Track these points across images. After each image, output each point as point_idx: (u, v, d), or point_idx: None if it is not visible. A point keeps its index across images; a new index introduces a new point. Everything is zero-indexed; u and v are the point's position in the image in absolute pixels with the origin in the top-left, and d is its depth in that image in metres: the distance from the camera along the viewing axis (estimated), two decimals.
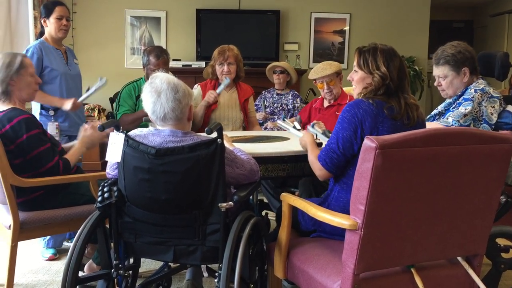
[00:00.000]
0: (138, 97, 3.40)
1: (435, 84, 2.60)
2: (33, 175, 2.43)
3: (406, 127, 1.95)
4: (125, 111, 3.43)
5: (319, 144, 2.29)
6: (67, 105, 3.15)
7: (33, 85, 2.58)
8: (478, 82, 2.50)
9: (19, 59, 2.49)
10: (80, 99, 3.22)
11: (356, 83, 2.11)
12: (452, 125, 2.38)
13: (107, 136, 2.40)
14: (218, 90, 3.35)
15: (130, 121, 3.33)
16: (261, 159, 2.34)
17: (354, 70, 2.11)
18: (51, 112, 3.23)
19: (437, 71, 2.55)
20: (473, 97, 2.43)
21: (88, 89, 3.25)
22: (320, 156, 2.05)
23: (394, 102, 1.97)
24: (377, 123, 1.92)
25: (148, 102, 1.93)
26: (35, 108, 3.30)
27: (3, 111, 2.45)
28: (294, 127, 2.78)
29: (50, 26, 3.27)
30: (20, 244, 2.45)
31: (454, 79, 2.50)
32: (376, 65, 2.01)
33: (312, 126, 2.64)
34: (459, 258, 1.88)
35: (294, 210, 2.06)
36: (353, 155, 1.97)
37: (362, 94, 2.05)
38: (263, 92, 4.63)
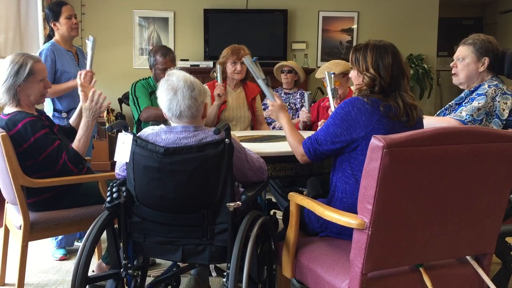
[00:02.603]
0: (151, 93, 3.41)
1: (451, 65, 2.60)
2: (49, 174, 2.45)
3: (405, 126, 1.94)
4: (148, 104, 3.41)
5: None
6: (79, 78, 3.05)
7: (41, 90, 2.56)
8: (492, 79, 2.50)
9: (29, 66, 2.46)
10: (88, 67, 3.13)
11: (353, 80, 2.13)
12: (466, 119, 2.37)
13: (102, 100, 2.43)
14: (218, 80, 3.32)
15: (155, 115, 3.29)
16: (269, 159, 2.34)
17: (351, 68, 2.13)
18: (64, 114, 3.26)
19: (460, 51, 2.56)
20: (486, 92, 2.43)
21: (86, 57, 3.21)
22: (305, 142, 2.08)
23: (392, 101, 1.94)
24: (372, 121, 1.91)
25: (164, 99, 1.94)
26: (48, 111, 3.33)
27: (8, 114, 2.46)
28: (266, 82, 2.38)
29: (62, 28, 3.29)
30: (31, 244, 2.47)
31: (472, 63, 2.51)
32: (365, 66, 2.00)
33: (263, 80, 2.46)
34: (468, 257, 1.86)
35: (301, 212, 2.06)
36: (344, 152, 1.98)
37: (357, 92, 2.05)
38: None
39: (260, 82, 2.37)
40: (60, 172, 2.46)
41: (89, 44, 3.13)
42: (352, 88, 3.42)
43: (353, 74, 2.11)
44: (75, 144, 2.55)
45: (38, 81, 2.53)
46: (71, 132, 2.75)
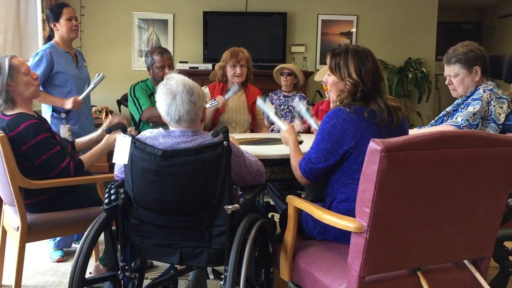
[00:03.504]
0: (150, 95, 3.40)
1: (446, 82, 2.61)
2: (44, 178, 2.44)
3: (392, 128, 1.95)
4: (149, 104, 3.39)
5: (301, 143, 2.29)
6: (68, 103, 3.17)
7: (32, 83, 2.53)
8: (487, 84, 2.50)
9: (6, 63, 2.44)
10: (81, 96, 3.22)
11: (330, 86, 2.09)
12: (462, 124, 2.38)
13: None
14: (226, 96, 3.32)
15: (157, 115, 3.29)
16: (268, 161, 2.34)
17: (328, 74, 2.10)
18: (63, 115, 3.26)
19: (448, 70, 2.56)
20: (481, 96, 2.43)
21: (87, 85, 3.26)
22: (300, 164, 2.07)
23: (374, 106, 1.94)
24: (359, 130, 1.91)
25: (163, 103, 1.93)
26: (47, 111, 3.33)
27: (10, 115, 2.45)
28: (276, 113, 2.66)
29: (61, 29, 3.29)
30: (28, 245, 2.47)
31: (466, 77, 2.51)
32: (348, 72, 1.98)
33: (300, 99, 2.61)
34: (465, 262, 1.87)
35: (298, 216, 2.06)
36: (334, 166, 1.97)
37: (338, 102, 2.02)
38: (270, 94, 4.63)
39: (271, 114, 2.65)
40: (56, 176, 2.45)
41: (96, 78, 3.19)
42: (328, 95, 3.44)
43: (331, 80, 2.07)
44: (85, 158, 2.58)
45: (24, 74, 2.50)
46: (72, 148, 2.73)
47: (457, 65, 2.51)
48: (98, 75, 3.19)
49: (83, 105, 3.43)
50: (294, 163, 2.14)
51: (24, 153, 2.40)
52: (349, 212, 1.77)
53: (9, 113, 2.47)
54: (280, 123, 2.48)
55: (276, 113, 2.63)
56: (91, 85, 3.22)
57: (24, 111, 2.49)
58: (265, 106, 2.78)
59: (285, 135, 2.34)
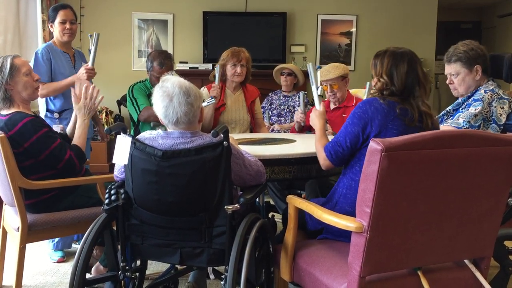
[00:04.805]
0: (149, 95, 3.40)
1: (447, 82, 2.60)
2: (51, 173, 2.46)
3: (419, 131, 1.95)
4: (147, 104, 3.40)
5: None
6: (81, 76, 3.13)
7: (31, 84, 2.54)
8: (488, 84, 2.49)
9: (8, 62, 2.45)
10: (90, 63, 3.19)
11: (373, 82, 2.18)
12: (463, 126, 2.37)
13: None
14: (203, 104, 3.30)
15: (155, 115, 3.29)
16: (268, 161, 2.34)
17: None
18: (56, 115, 3.26)
19: (449, 68, 2.55)
20: (483, 97, 2.42)
21: (89, 52, 3.24)
22: (326, 146, 2.11)
23: (407, 105, 1.99)
24: (387, 121, 1.95)
25: (160, 106, 1.93)
26: (41, 110, 3.33)
27: (7, 114, 2.46)
28: (318, 89, 2.72)
29: (55, 30, 3.30)
30: (29, 246, 2.47)
31: (466, 76, 2.50)
32: (381, 70, 2.05)
33: (316, 89, 2.60)
34: (466, 261, 1.87)
35: (301, 211, 2.06)
36: (358, 149, 2.01)
37: (373, 94, 2.10)
38: (270, 94, 4.63)
39: (314, 88, 2.54)
40: (62, 169, 2.46)
41: (93, 40, 3.15)
42: (352, 91, 3.44)
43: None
44: (76, 141, 2.60)
45: (24, 75, 2.50)
46: (66, 139, 2.74)
47: (458, 63, 2.51)
48: (90, 36, 3.16)
49: None
50: (319, 146, 2.19)
51: (27, 150, 2.40)
52: (354, 202, 1.77)
53: (5, 112, 2.47)
54: (317, 101, 2.50)
55: (318, 89, 2.61)
56: (92, 49, 3.18)
57: (21, 109, 2.49)
58: (313, 74, 2.57)
59: (314, 117, 2.39)
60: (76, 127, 2.64)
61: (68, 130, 2.85)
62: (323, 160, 2.14)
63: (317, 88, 2.59)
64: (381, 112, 1.96)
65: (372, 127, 1.96)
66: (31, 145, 2.40)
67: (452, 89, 2.60)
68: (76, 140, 2.59)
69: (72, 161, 2.48)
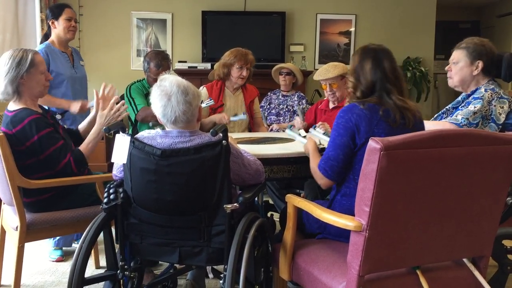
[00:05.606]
0: (147, 95, 3.41)
1: (446, 68, 2.62)
2: (49, 174, 2.45)
3: (405, 129, 1.94)
4: (144, 104, 3.40)
5: (323, 150, 2.29)
6: (75, 107, 3.17)
7: (43, 82, 2.55)
8: (489, 83, 2.50)
9: (30, 57, 2.47)
10: (89, 105, 3.20)
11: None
12: (462, 122, 2.37)
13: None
14: (232, 119, 3.34)
15: (152, 115, 3.29)
16: (267, 161, 2.34)
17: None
18: (58, 116, 3.25)
19: (454, 55, 2.57)
20: (483, 95, 2.43)
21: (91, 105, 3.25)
22: (320, 165, 2.05)
23: (387, 105, 1.95)
24: (372, 126, 1.92)
25: (158, 105, 1.93)
26: None
27: (13, 111, 2.45)
28: (300, 134, 2.80)
29: (59, 27, 3.30)
30: (27, 245, 2.47)
31: (465, 67, 2.51)
32: (351, 70, 2.06)
33: (314, 128, 2.65)
34: (465, 260, 1.87)
35: (299, 212, 2.06)
36: (351, 158, 1.98)
37: (349, 99, 2.09)
38: (269, 93, 4.63)
39: (300, 138, 2.69)
40: (59, 173, 2.45)
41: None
42: None
43: None
44: (83, 147, 2.56)
45: (40, 73, 2.52)
46: (78, 137, 2.74)
47: (463, 52, 2.51)
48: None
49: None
50: (314, 166, 2.13)
51: (29, 149, 2.40)
52: (351, 207, 1.77)
53: (12, 108, 2.47)
54: (302, 139, 2.61)
55: (300, 134, 2.81)
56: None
57: (28, 106, 2.49)
58: (294, 133, 2.87)
59: (306, 145, 2.37)
60: (91, 132, 2.63)
61: (81, 126, 2.84)
62: (321, 180, 2.08)
63: (303, 137, 2.72)
64: (364, 118, 1.93)
65: (359, 135, 1.92)
66: (32, 144, 2.39)
67: (448, 77, 2.61)
68: (83, 146, 2.56)
69: (69, 166, 2.44)
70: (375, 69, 1.99)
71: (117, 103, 2.67)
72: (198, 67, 5.88)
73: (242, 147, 2.36)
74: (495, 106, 2.42)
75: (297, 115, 3.55)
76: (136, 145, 1.90)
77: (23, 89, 2.47)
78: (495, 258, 2.43)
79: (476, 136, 1.65)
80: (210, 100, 3.26)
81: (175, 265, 2.40)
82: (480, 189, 1.71)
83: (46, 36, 3.44)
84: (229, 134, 1.98)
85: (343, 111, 1.99)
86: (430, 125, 2.45)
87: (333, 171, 2.01)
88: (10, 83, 2.43)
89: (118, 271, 2.04)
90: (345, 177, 2.01)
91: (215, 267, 2.69)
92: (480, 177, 1.68)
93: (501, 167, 1.71)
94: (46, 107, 3.27)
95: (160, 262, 2.93)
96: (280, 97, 4.53)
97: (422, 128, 2.04)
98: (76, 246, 3.25)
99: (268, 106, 4.52)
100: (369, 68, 1.99)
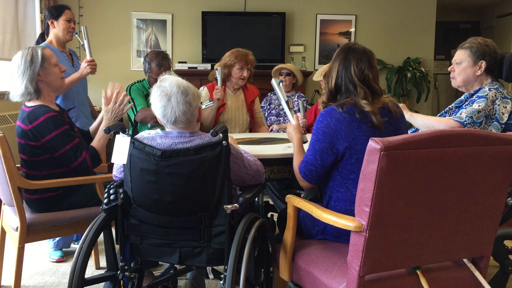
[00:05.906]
0: (147, 96, 3.41)
1: (449, 69, 2.61)
2: (64, 171, 2.47)
3: (386, 129, 1.93)
4: (144, 105, 3.41)
5: (305, 142, 2.27)
6: (85, 70, 3.22)
7: (58, 74, 2.57)
8: (493, 83, 2.50)
9: (39, 53, 2.47)
10: (88, 56, 3.27)
11: None
12: (466, 121, 2.37)
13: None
14: (219, 83, 3.34)
15: (152, 116, 3.29)
16: (267, 161, 2.34)
17: None
18: None
19: (457, 55, 2.57)
20: (487, 95, 2.43)
21: (83, 45, 3.31)
22: (300, 167, 2.06)
23: (363, 104, 1.92)
24: (352, 130, 1.91)
25: (158, 106, 1.93)
26: None
27: (31, 106, 2.46)
28: (287, 103, 2.58)
29: (58, 28, 3.31)
30: (28, 246, 2.47)
31: (468, 67, 2.51)
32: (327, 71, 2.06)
33: (286, 102, 2.57)
34: (465, 260, 1.87)
35: (297, 216, 2.06)
36: (331, 166, 1.97)
37: (324, 102, 2.07)
38: (269, 94, 4.63)
39: (283, 103, 2.53)
40: (74, 169, 2.47)
41: (82, 34, 3.22)
42: None
43: None
44: (95, 143, 2.59)
45: (54, 65, 2.54)
46: (88, 138, 2.75)
47: (467, 51, 2.51)
48: (79, 33, 3.32)
49: (82, 104, 3.43)
50: (295, 166, 2.13)
51: (44, 145, 2.41)
52: (346, 211, 1.77)
53: (30, 104, 2.48)
54: (290, 115, 2.44)
55: (287, 102, 2.56)
56: (85, 42, 3.28)
57: (46, 103, 2.50)
58: (278, 90, 2.57)
59: (290, 131, 2.30)
60: (99, 129, 2.64)
61: (92, 127, 2.85)
62: (301, 182, 2.09)
63: (286, 102, 2.54)
64: (344, 122, 1.91)
65: (340, 141, 1.91)
66: (48, 141, 2.40)
67: (451, 77, 2.61)
68: (94, 142, 2.59)
69: (85, 163, 2.46)
70: (342, 72, 1.98)
71: None
72: (198, 68, 5.88)
73: (243, 147, 2.36)
74: (498, 105, 2.42)
75: (299, 110, 3.53)
76: (136, 145, 1.90)
77: (42, 86, 2.49)
78: (496, 259, 2.43)
79: (476, 137, 1.65)
80: (210, 102, 3.26)
81: (175, 265, 2.40)
82: (480, 189, 1.70)
83: (42, 36, 3.45)
84: (230, 135, 1.98)
85: (322, 115, 1.97)
86: (434, 121, 2.45)
87: (312, 175, 2.02)
88: (30, 82, 2.44)
89: (118, 272, 2.04)
90: (335, 182, 2.00)
91: (215, 267, 2.69)
92: (480, 177, 1.68)
93: (501, 168, 1.70)
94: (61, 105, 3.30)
95: (160, 262, 2.93)
96: None
97: (403, 126, 2.04)
98: (75, 247, 3.27)
99: (268, 107, 4.52)
100: (336, 72, 1.99)
